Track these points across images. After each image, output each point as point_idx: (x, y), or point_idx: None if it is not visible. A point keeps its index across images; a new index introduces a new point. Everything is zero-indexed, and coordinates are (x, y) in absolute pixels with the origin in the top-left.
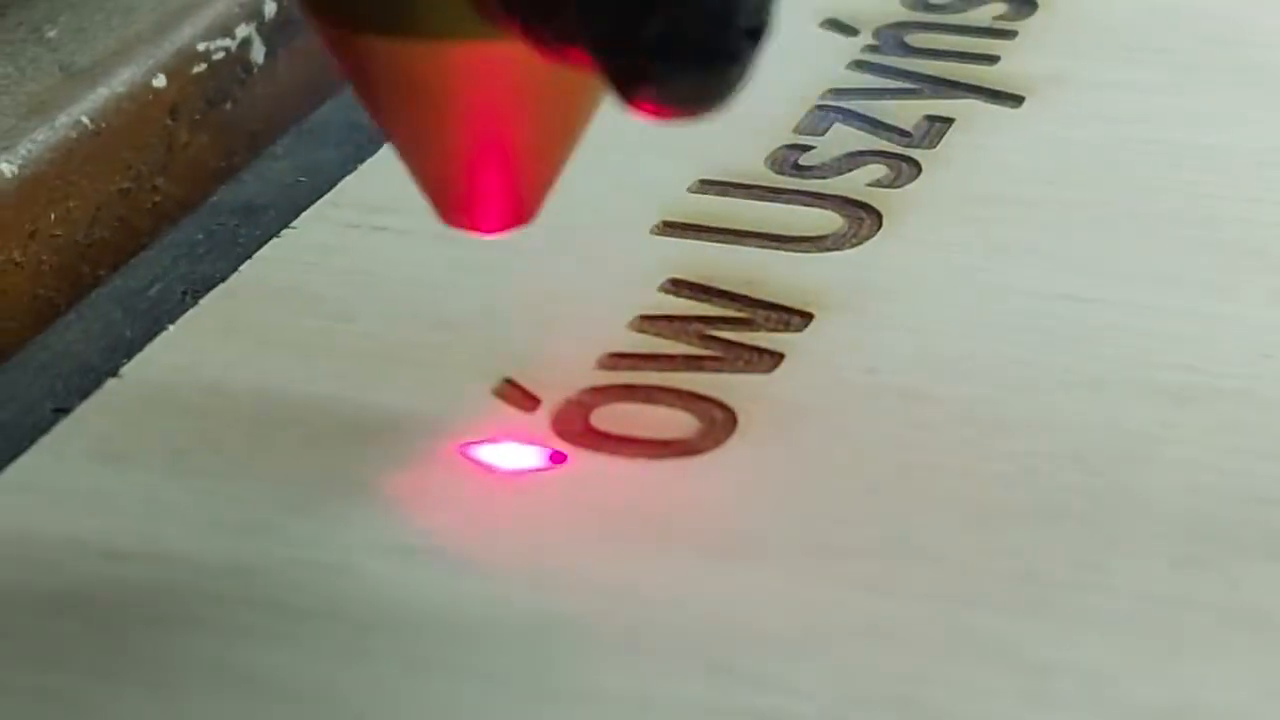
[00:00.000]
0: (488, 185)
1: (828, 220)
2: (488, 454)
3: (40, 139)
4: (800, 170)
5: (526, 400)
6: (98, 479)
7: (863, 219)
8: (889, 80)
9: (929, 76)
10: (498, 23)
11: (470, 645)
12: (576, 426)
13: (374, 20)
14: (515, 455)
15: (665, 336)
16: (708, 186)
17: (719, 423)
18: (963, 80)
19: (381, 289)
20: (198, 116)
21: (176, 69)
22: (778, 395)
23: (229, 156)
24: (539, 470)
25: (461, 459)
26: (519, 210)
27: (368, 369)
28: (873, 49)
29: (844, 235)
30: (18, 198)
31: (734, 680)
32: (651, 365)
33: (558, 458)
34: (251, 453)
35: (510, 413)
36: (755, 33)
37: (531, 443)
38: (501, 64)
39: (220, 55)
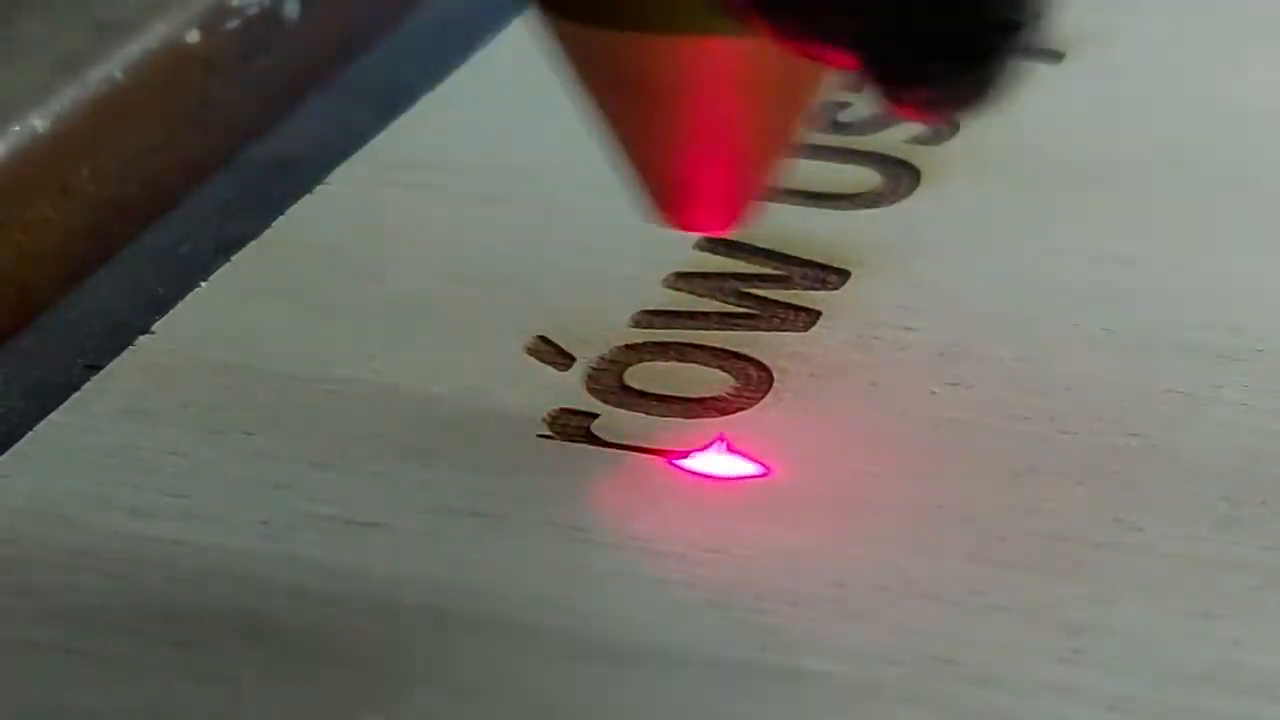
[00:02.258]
0: (707, 182)
1: (865, 177)
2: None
3: (72, 95)
4: (838, 127)
5: (560, 358)
6: (128, 436)
7: (900, 176)
8: None
9: None
10: (741, 19)
11: (500, 602)
12: (610, 384)
13: (612, 15)
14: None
15: (700, 294)
16: None
17: (754, 380)
18: None
19: (413, 246)
20: (231, 72)
21: (210, 24)
22: (813, 353)
23: (261, 113)
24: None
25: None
26: (736, 207)
27: (399, 326)
28: None
29: (882, 193)
30: (50, 154)
31: (768, 638)
32: (686, 323)
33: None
34: (281, 410)
35: (544, 370)
36: (1021, 27)
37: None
38: (732, 61)
39: (254, 10)
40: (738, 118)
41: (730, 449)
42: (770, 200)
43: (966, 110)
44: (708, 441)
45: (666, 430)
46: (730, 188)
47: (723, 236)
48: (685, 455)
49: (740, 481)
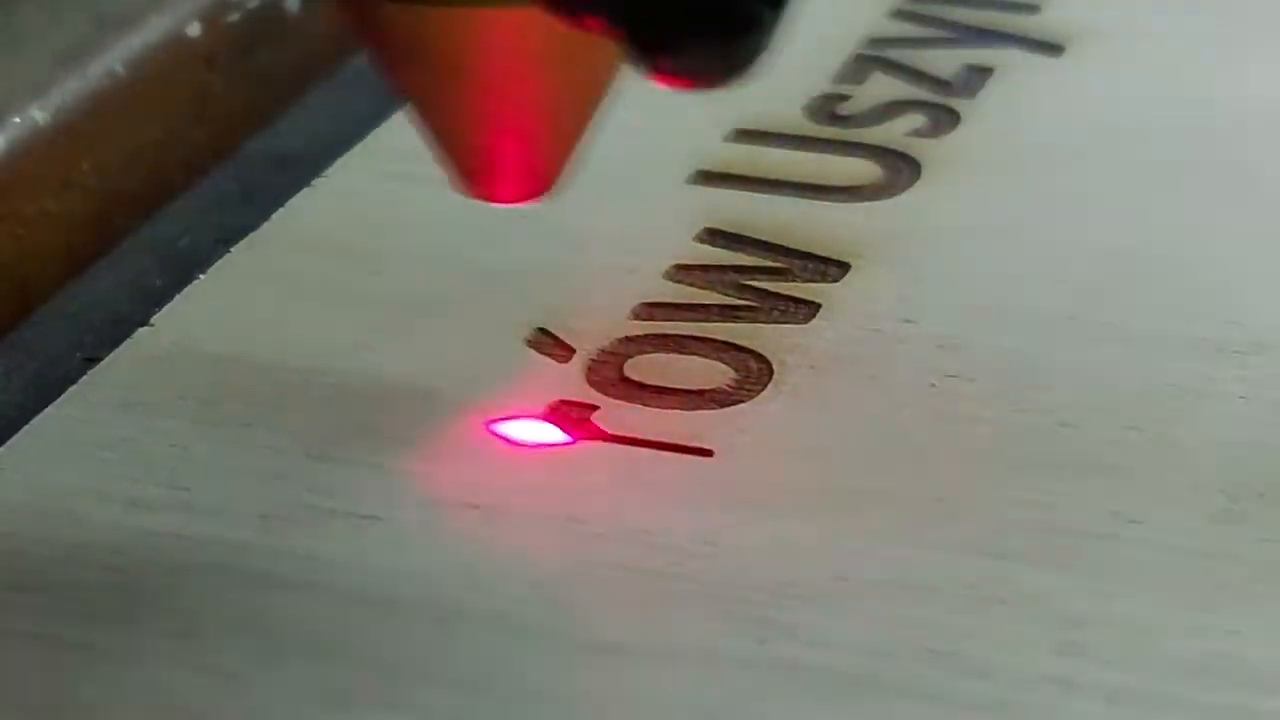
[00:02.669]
0: (506, 154)
1: (866, 170)
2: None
3: (73, 88)
4: (838, 120)
5: (560, 350)
6: (126, 428)
7: (901, 169)
8: (929, 29)
9: (969, 26)
10: None
11: (499, 596)
12: (610, 376)
13: None
14: (535, 431)
15: (700, 286)
16: (744, 136)
17: (754, 373)
18: (1003, 30)
19: (413, 239)
20: (231, 66)
21: (210, 18)
22: (813, 345)
23: (262, 106)
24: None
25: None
26: (538, 180)
27: (399, 319)
28: None
29: (882, 185)
30: (50, 147)
31: (767, 631)
32: (686, 315)
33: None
34: (280, 403)
35: (544, 363)
36: (775, 2)
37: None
38: (520, 30)
39: (254, 4)
40: (530, 89)
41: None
42: (570, 168)
43: (722, 80)
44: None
45: (667, 422)
46: (528, 159)
47: (523, 206)
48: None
49: (544, 447)
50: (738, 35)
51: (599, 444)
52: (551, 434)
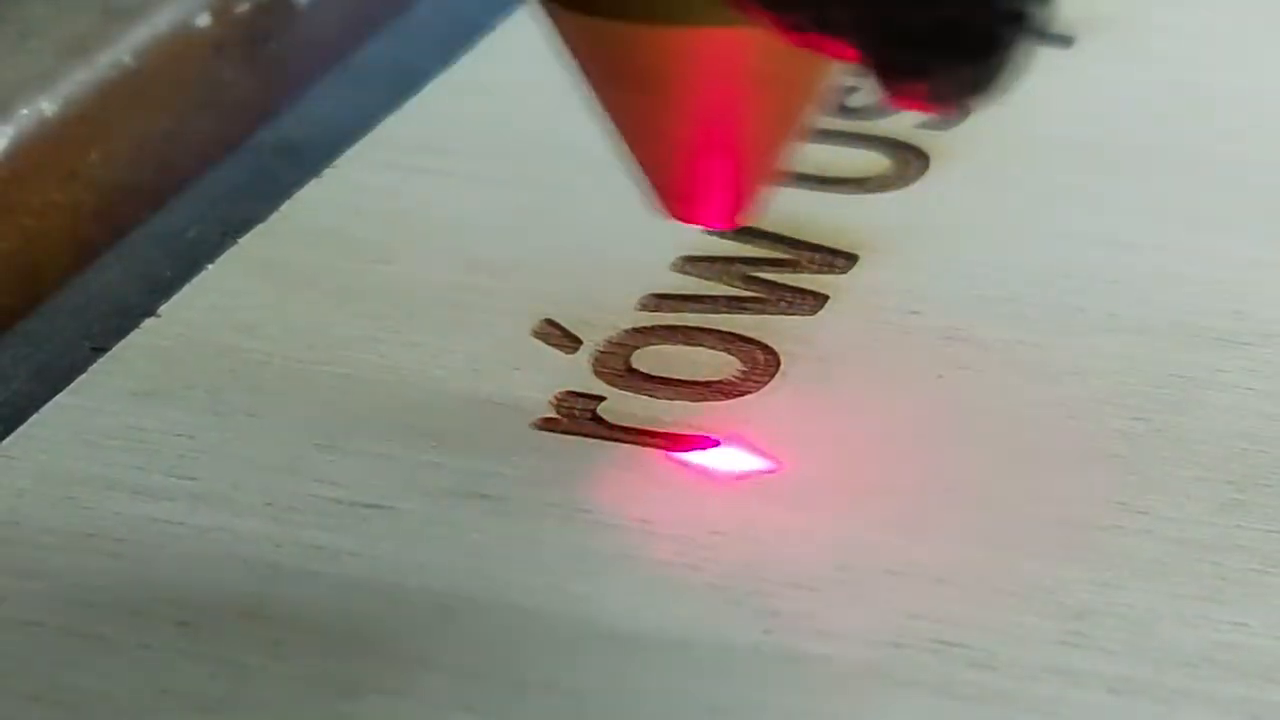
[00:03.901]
0: (714, 176)
1: (874, 161)
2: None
3: (81, 79)
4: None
5: (566, 341)
6: (134, 418)
7: (909, 161)
8: None
9: None
10: (745, 9)
11: (505, 584)
12: (617, 367)
13: (611, 4)
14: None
15: (707, 277)
16: None
17: (761, 364)
18: None
19: (421, 230)
20: (240, 56)
21: (219, 8)
22: (821, 337)
23: (270, 97)
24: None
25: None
26: (743, 201)
27: (407, 310)
28: None
29: (890, 177)
30: (58, 137)
31: (772, 621)
32: (693, 306)
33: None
34: (288, 393)
35: (550, 353)
36: (1023, 19)
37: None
38: (737, 51)
39: None
40: (740, 110)
41: (737, 443)
42: (775, 190)
43: (968, 103)
44: (711, 438)
45: (673, 414)
46: (734, 181)
47: (728, 229)
48: (687, 449)
49: (749, 476)
50: (980, 58)
51: (606, 436)
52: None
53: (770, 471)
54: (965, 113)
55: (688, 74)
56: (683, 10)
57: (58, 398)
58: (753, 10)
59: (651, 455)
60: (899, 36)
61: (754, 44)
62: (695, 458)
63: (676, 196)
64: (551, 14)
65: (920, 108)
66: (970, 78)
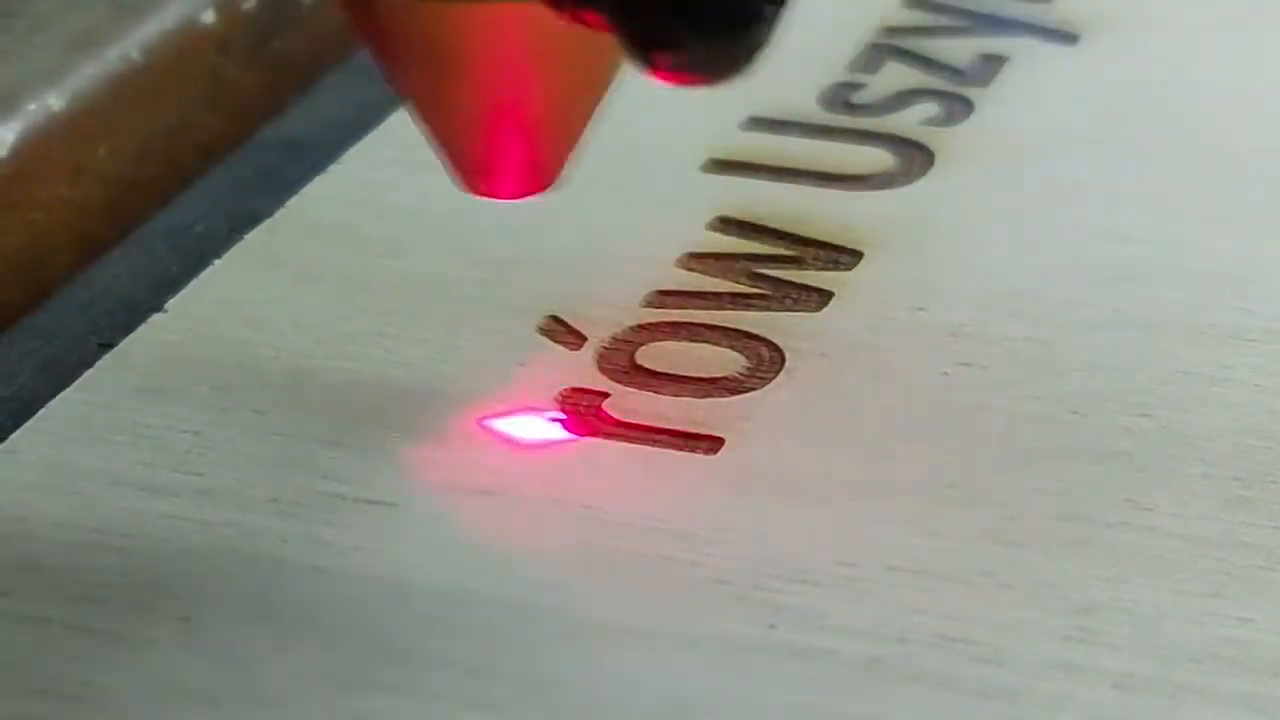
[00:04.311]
0: (507, 150)
1: (879, 158)
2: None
3: (88, 74)
4: (852, 108)
5: (572, 337)
6: (140, 413)
7: (914, 157)
8: (943, 18)
9: (983, 14)
10: None
11: (512, 580)
12: (622, 364)
13: None
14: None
15: (713, 274)
16: (758, 124)
17: (766, 361)
18: (1017, 18)
19: (426, 226)
20: (246, 53)
21: (225, 5)
22: (826, 333)
23: (276, 93)
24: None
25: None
26: (539, 176)
27: (412, 306)
28: None
29: (895, 174)
30: (65, 133)
31: (778, 616)
32: (699, 303)
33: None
34: (293, 389)
35: (556, 350)
36: None
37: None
38: (520, 25)
39: None
40: (529, 84)
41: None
42: (572, 162)
43: (721, 77)
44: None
45: (678, 410)
46: (528, 155)
47: (522, 200)
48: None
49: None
50: (739, 32)
51: (611, 431)
52: (553, 430)
53: (565, 442)
54: (716, 83)
55: (478, 50)
56: None
57: (64, 393)
58: None
59: (656, 456)
60: (639, 10)
61: (540, 18)
62: (500, 424)
63: (472, 171)
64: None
65: (676, 80)
66: (711, 51)
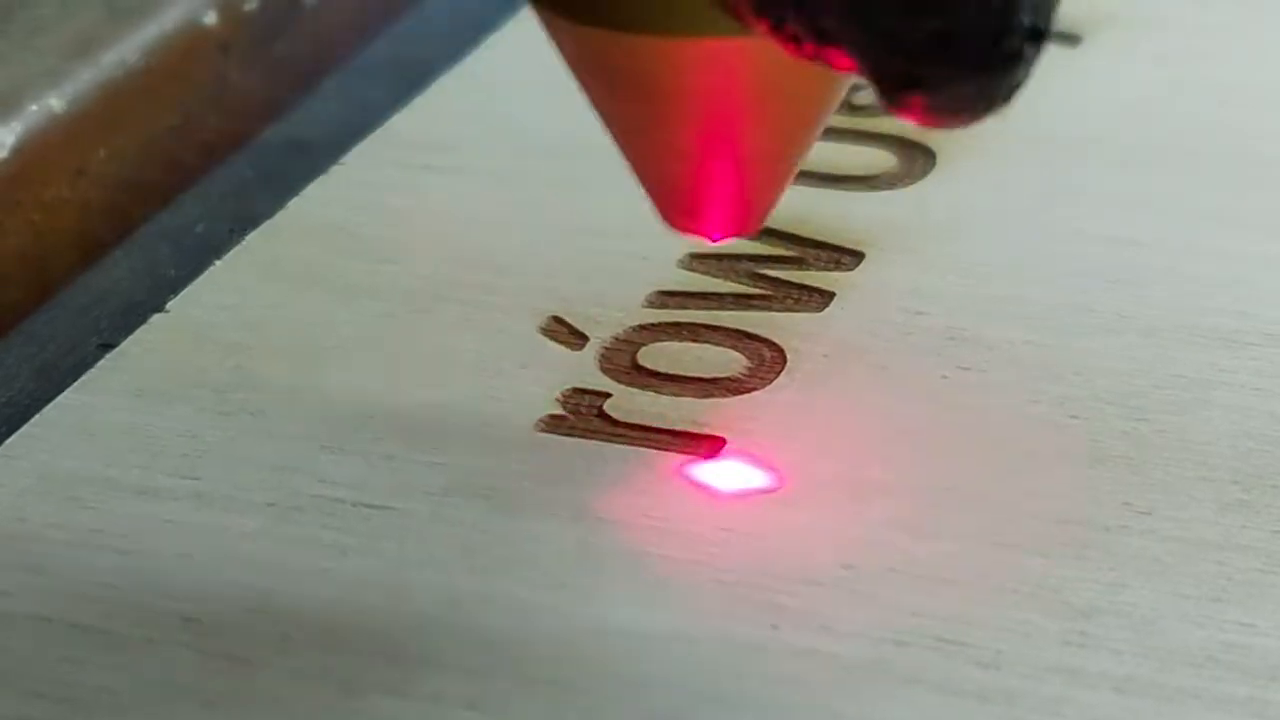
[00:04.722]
0: (716, 188)
1: (881, 159)
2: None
3: (89, 76)
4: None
5: (573, 338)
6: (140, 415)
7: (916, 158)
8: None
9: None
10: (743, 19)
11: (511, 582)
12: (623, 364)
13: (610, 14)
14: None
15: (714, 275)
16: None
17: (767, 361)
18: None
19: (428, 227)
20: (247, 54)
21: (227, 6)
22: (827, 334)
23: (278, 94)
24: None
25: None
26: (747, 215)
27: (413, 307)
28: None
29: (897, 174)
30: (66, 135)
31: (778, 618)
32: (700, 303)
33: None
34: (294, 391)
35: (557, 350)
36: (1037, 34)
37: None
38: (738, 63)
39: None
40: (743, 122)
41: (740, 455)
42: (779, 202)
43: (971, 117)
44: (716, 452)
45: (679, 411)
46: (738, 194)
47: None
48: (692, 463)
49: (749, 494)
50: (997, 73)
51: (612, 434)
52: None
53: (772, 490)
54: (970, 124)
55: (690, 85)
56: (684, 21)
57: (63, 395)
58: (751, 20)
59: (658, 456)
60: (891, 48)
61: (757, 55)
62: (700, 471)
63: (679, 209)
64: (549, 24)
65: (921, 120)
66: (968, 91)
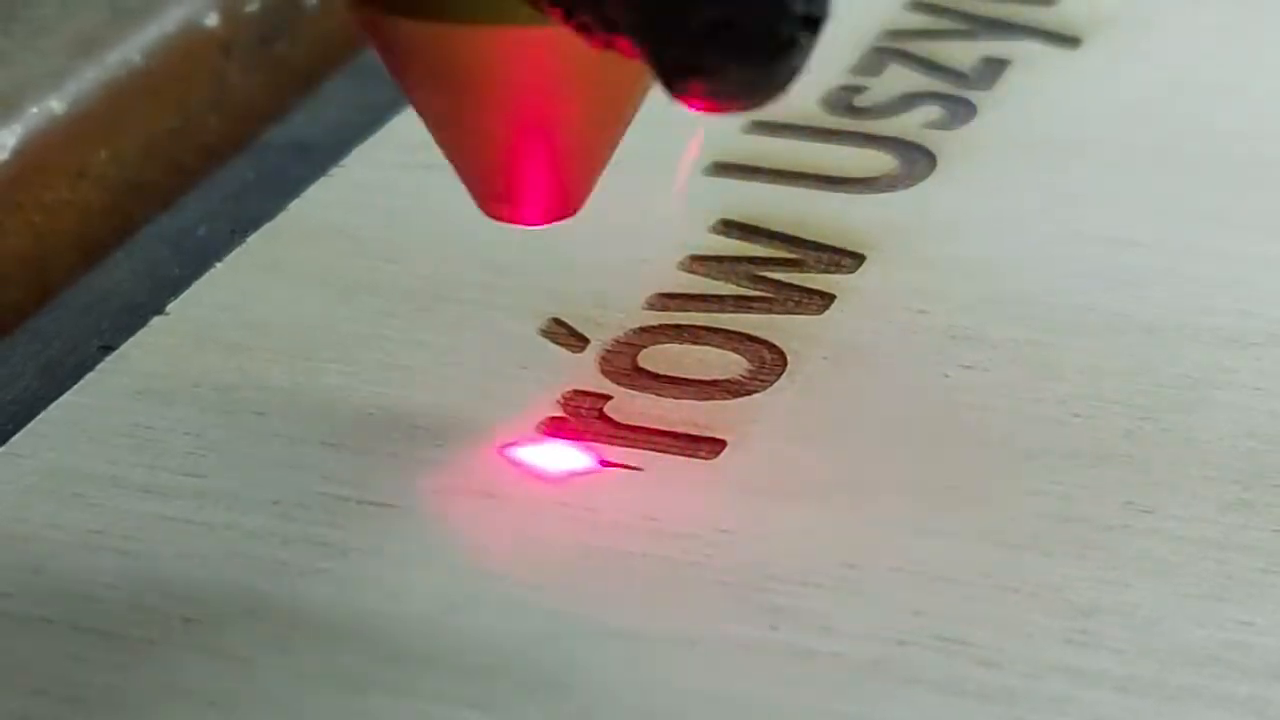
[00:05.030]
0: (530, 176)
1: (881, 161)
2: (531, 455)
3: (90, 77)
4: (854, 111)
5: (574, 340)
6: (141, 415)
7: (917, 160)
8: (946, 21)
9: (986, 18)
10: (541, 8)
11: (512, 580)
12: (624, 366)
13: (416, 5)
14: (561, 457)
15: (715, 277)
16: (760, 127)
17: (768, 363)
18: (1020, 22)
19: (429, 229)
20: (248, 56)
21: (228, 7)
22: (828, 336)
23: (279, 96)
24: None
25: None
26: (562, 201)
27: (414, 308)
28: None
29: (897, 177)
30: (67, 136)
31: (778, 618)
32: (701, 306)
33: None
34: (295, 391)
35: (558, 352)
36: (812, 21)
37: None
38: (544, 50)
39: None
40: (552, 109)
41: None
42: (594, 186)
43: (752, 105)
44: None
45: (680, 413)
46: (551, 180)
47: (543, 226)
48: (514, 444)
49: (570, 475)
50: (773, 59)
51: (612, 435)
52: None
53: (594, 470)
54: (749, 110)
55: (497, 74)
56: (489, 11)
57: (66, 395)
58: (546, 9)
59: (658, 458)
60: (671, 36)
61: (562, 43)
62: (524, 454)
63: (495, 196)
64: (360, 19)
65: (704, 107)
66: (745, 78)
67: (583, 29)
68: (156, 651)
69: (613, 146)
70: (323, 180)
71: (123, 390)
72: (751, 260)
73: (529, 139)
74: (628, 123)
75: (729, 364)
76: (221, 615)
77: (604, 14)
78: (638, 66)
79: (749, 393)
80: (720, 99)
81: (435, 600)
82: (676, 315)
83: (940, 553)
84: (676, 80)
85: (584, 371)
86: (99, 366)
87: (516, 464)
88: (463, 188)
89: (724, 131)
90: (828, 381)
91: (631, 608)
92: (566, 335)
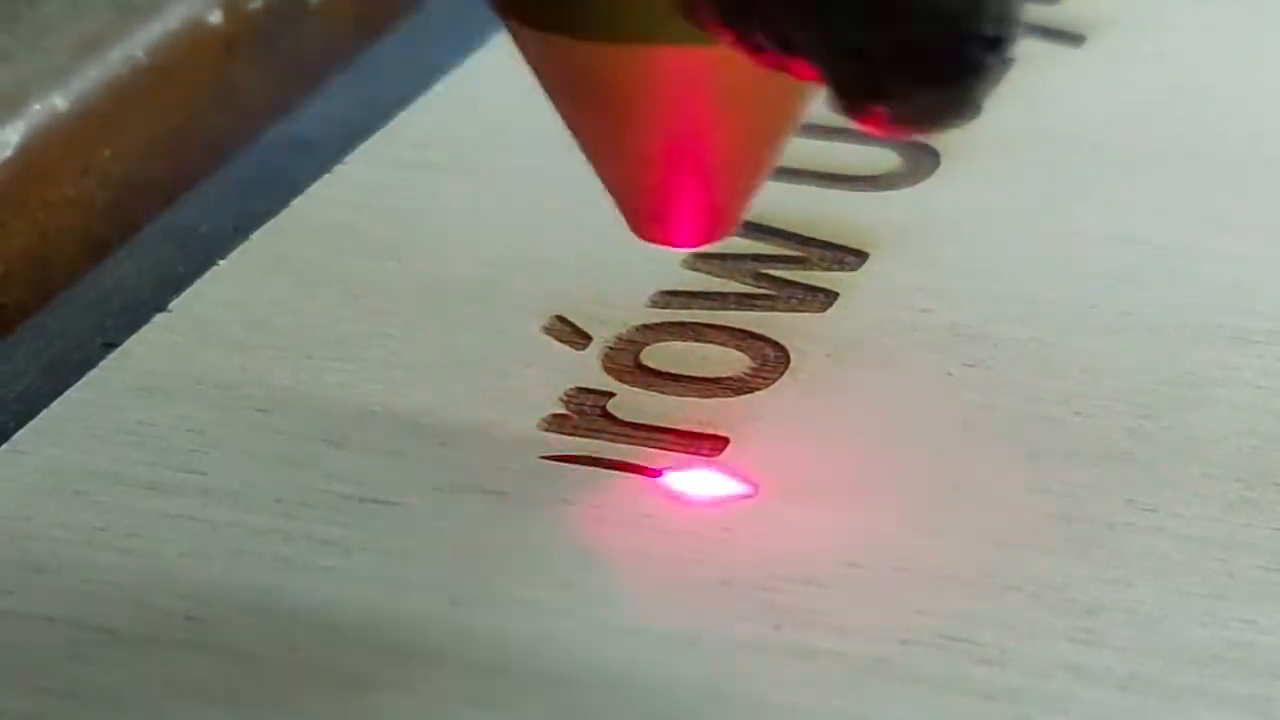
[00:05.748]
0: (684, 198)
1: (885, 159)
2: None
3: (93, 75)
4: None
5: (577, 337)
6: (144, 413)
7: (920, 158)
8: None
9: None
10: (706, 28)
11: (515, 580)
12: (627, 363)
13: (572, 21)
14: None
15: (718, 274)
16: None
17: (771, 361)
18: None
19: (432, 226)
20: (252, 53)
21: (231, 4)
22: (831, 334)
23: (282, 93)
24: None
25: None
26: (715, 223)
27: (417, 306)
28: None
29: (901, 174)
30: (70, 133)
31: (781, 617)
32: (704, 303)
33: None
34: (298, 389)
35: (560, 349)
36: (998, 43)
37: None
38: (704, 70)
39: None
40: (709, 130)
41: (716, 467)
42: (747, 210)
43: (934, 127)
44: (692, 461)
45: (683, 410)
46: (705, 202)
47: (701, 250)
48: (664, 473)
49: (725, 502)
50: (960, 84)
51: (621, 434)
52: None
53: (748, 496)
54: (933, 133)
55: (656, 94)
56: (649, 29)
57: (69, 392)
58: (716, 30)
59: (661, 456)
60: (854, 59)
61: (722, 63)
62: (674, 480)
63: (646, 217)
64: (515, 32)
65: (884, 130)
66: (930, 101)
67: (756, 50)
68: (159, 649)
69: (770, 165)
70: (326, 178)
71: (125, 387)
72: (755, 258)
73: (684, 160)
74: (785, 142)
75: (732, 361)
76: (224, 612)
77: (782, 35)
78: (796, 85)
79: (752, 390)
80: (903, 123)
81: (437, 597)
82: (679, 312)
83: (942, 551)
84: (857, 104)
85: (587, 369)
86: (102, 364)
87: (668, 492)
88: (468, 188)
89: None
90: (830, 379)
91: (633, 605)
92: (569, 332)
